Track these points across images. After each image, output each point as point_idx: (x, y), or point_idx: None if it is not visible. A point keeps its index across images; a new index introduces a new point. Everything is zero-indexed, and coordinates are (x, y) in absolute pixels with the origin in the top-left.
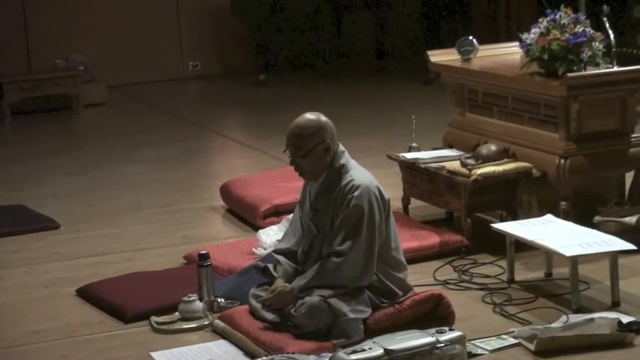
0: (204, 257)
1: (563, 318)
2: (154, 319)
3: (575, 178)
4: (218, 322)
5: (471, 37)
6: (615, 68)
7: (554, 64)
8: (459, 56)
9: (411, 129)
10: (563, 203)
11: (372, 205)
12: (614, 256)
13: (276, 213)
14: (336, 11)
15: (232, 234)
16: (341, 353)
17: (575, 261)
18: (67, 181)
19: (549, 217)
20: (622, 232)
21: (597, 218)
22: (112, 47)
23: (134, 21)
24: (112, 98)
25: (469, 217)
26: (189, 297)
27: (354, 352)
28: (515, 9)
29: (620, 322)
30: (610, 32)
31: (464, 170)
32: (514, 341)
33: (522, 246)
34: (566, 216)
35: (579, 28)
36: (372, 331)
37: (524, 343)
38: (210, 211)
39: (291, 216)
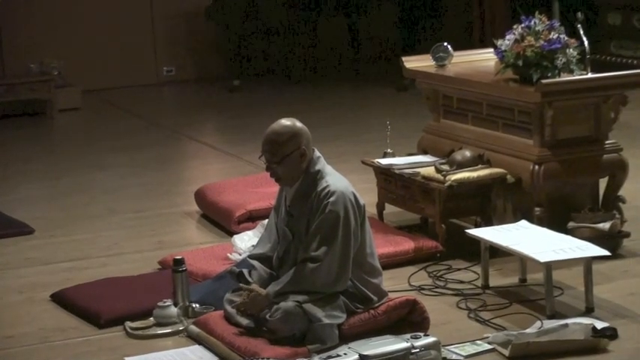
0: (179, 262)
1: (538, 324)
2: (128, 324)
3: (549, 184)
4: (193, 327)
5: (445, 44)
6: (589, 75)
7: (529, 71)
8: (434, 62)
9: (385, 135)
10: (537, 209)
11: (347, 211)
12: (588, 262)
13: (251, 218)
14: (310, 17)
15: (207, 239)
16: (316, 359)
17: (549, 267)
18: (41, 186)
19: (524, 222)
20: (596, 238)
21: (571, 224)
22: (87, 52)
23: (108, 26)
24: (86, 103)
25: (444, 223)
26: (164, 302)
27: (329, 357)
28: (489, 15)
29: (594, 328)
30: (584, 39)
31: (438, 176)
32: (489, 347)
33: (497, 252)
34: (540, 222)
35: (554, 35)
36: (347, 336)
37: (499, 348)
38: (184, 216)
39: (266, 221)
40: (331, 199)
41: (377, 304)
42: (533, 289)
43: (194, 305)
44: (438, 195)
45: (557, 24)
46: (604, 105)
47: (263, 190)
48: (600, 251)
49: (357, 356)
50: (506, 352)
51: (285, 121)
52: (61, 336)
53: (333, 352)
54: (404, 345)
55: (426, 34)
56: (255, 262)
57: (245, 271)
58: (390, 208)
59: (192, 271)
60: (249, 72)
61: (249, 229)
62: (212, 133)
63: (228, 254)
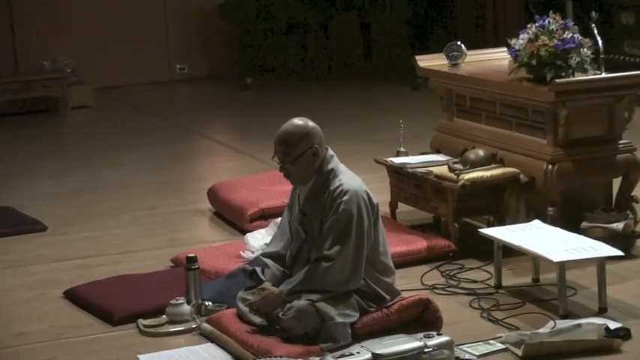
0: (192, 260)
1: (551, 323)
2: (141, 321)
3: (562, 183)
4: (205, 325)
5: (459, 43)
6: (603, 74)
7: (543, 70)
8: (447, 61)
9: (398, 133)
10: (550, 209)
11: (360, 210)
12: (601, 262)
13: (263, 216)
14: (323, 15)
15: (219, 237)
16: (329, 357)
17: (562, 266)
18: (53, 183)
19: (537, 222)
20: (609, 238)
21: (584, 224)
22: (99, 49)
23: (122, 23)
24: (99, 101)
25: (456, 222)
26: (177, 300)
27: (342, 356)
28: (502, 15)
29: (607, 328)
30: (598, 38)
31: (452, 175)
32: (501, 346)
33: (510, 251)
34: (553, 222)
35: (568, 34)
36: (360, 335)
37: (512, 348)
38: (197, 214)
39: (279, 219)
40: (345, 197)
41: (390, 303)
42: (547, 289)
43: (207, 303)
44: (451, 194)
45: (571, 23)
46: (618, 105)
47: (275, 189)
48: (613, 251)
49: (369, 355)
50: (519, 352)
51: (297, 121)
52: (73, 333)
53: (345, 351)
54: (417, 344)
55: (439, 33)
56: (268, 261)
57: (258, 270)
58: (402, 207)
59: (204, 269)
60: (261, 70)
61: (261, 227)
62: (224, 131)
63: (241, 252)
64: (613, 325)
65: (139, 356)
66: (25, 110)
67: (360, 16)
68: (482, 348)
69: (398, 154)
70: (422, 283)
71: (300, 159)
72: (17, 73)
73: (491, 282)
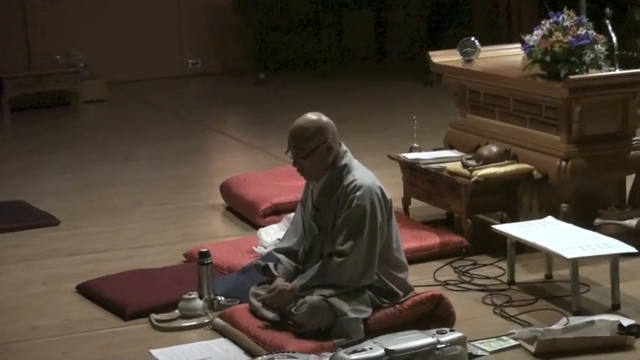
0: (205, 255)
1: (564, 320)
2: (153, 316)
3: (576, 180)
4: (218, 320)
5: (472, 38)
6: (617, 71)
7: (557, 66)
8: (461, 57)
9: (411, 129)
10: (563, 205)
11: (374, 206)
12: (614, 258)
13: (276, 212)
14: (336, 10)
15: (232, 232)
16: (341, 353)
17: (575, 263)
18: (66, 177)
19: (550, 219)
20: (622, 235)
21: (598, 221)
22: (112, 44)
23: (134, 18)
24: (112, 95)
25: (469, 218)
26: (190, 295)
27: (355, 351)
28: (515, 11)
29: (620, 325)
30: (612, 35)
31: (465, 171)
32: (514, 343)
33: (523, 248)
34: (566, 218)
35: (582, 31)
36: (373, 331)
37: (525, 344)
38: (210, 209)
39: (292, 215)
40: (358, 193)
41: (403, 299)
42: (559, 286)
43: (219, 298)
44: (464, 190)
45: (585, 20)
46: (632, 101)
47: (288, 184)
48: (627, 248)
49: (382, 351)
50: (532, 349)
51: (311, 116)
52: (86, 327)
53: (358, 347)
54: (430, 340)
55: (453, 29)
56: (281, 256)
57: (271, 265)
58: (415, 203)
59: (217, 263)
60: (274, 65)
61: (274, 222)
62: (237, 126)
63: (254, 247)
64: (626, 321)
65: (151, 351)
66: (38, 104)
67: (374, 11)
68: (494, 344)
69: (411, 149)
70: (435, 279)
71: (313, 154)
72: (30, 67)
73: (504, 278)
